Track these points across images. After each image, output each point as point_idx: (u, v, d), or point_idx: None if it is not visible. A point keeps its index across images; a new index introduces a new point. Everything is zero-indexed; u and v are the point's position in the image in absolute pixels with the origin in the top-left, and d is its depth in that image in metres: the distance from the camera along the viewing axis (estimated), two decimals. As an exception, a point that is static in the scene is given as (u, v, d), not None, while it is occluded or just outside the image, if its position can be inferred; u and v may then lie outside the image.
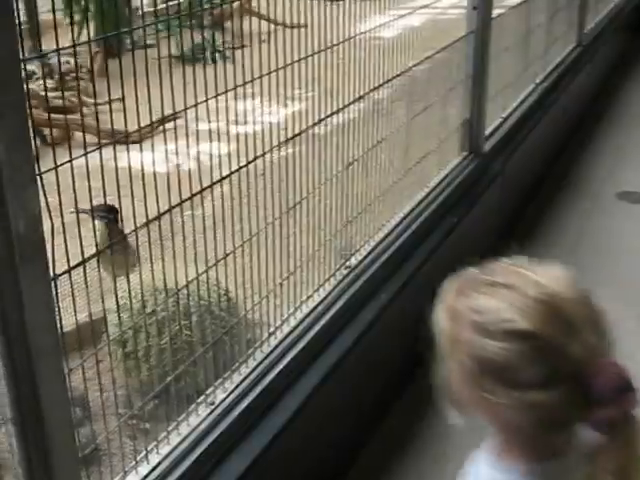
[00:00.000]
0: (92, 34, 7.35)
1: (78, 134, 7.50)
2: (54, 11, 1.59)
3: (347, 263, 3.04)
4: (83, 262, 1.71)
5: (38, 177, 1.48)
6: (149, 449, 2.03)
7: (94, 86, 7.22)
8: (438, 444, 3.13)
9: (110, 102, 1.71)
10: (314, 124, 2.67)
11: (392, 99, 3.37)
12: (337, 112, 2.84)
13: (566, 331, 1.09)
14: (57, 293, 1.62)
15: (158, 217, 2.04)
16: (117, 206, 2.92)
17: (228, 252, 2.30)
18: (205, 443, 2.14)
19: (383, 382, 3.27)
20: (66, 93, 8.68)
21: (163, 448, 2.08)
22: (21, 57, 1.37)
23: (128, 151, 1.94)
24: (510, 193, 4.74)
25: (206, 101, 2.04)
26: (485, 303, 1.14)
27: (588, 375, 1.08)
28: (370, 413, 3.16)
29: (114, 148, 1.76)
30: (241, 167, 2.30)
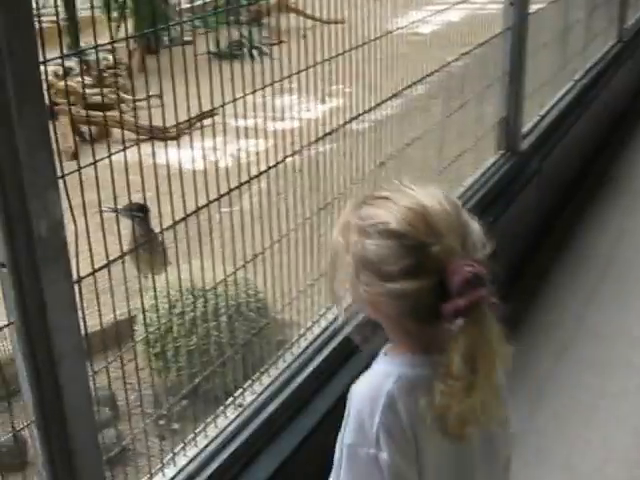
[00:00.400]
0: (130, 31, 7.38)
1: (116, 131, 7.55)
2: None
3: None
4: (108, 264, 1.70)
5: (61, 179, 1.48)
6: (176, 451, 2.02)
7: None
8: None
9: (137, 99, 1.71)
10: (348, 121, 2.64)
11: (429, 96, 3.33)
12: (371, 110, 2.80)
13: (430, 234, 1.27)
14: (81, 295, 1.62)
15: (186, 217, 2.02)
16: (148, 204, 2.92)
17: (259, 252, 2.28)
18: (233, 445, 2.12)
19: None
20: (104, 90, 8.73)
21: (190, 450, 2.07)
22: (40, 59, 1.36)
23: (153, 147, 1.91)
24: (548, 191, 4.66)
25: (234, 100, 2.02)
26: (368, 211, 1.35)
27: (447, 271, 1.25)
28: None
29: (138, 145, 1.75)
30: (271, 166, 2.27)
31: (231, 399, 2.23)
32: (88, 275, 1.63)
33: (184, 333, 2.35)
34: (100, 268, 1.67)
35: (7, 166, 1.35)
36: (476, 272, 1.25)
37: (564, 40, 5.05)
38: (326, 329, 2.58)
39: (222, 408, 2.23)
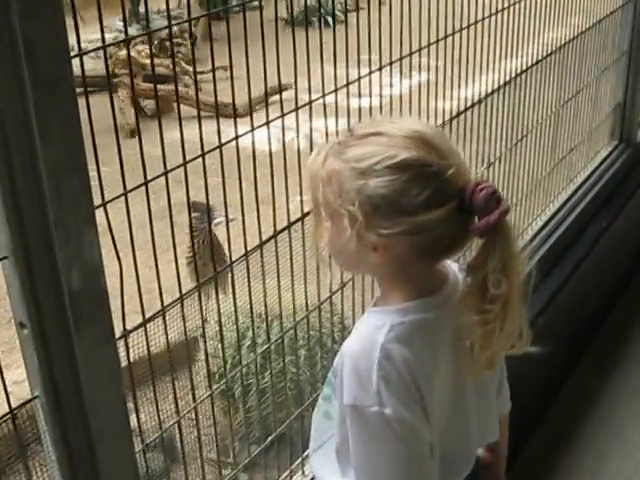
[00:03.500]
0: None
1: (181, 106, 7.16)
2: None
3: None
4: (162, 310, 1.37)
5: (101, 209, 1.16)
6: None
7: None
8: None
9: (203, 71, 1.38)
10: (456, 115, 2.23)
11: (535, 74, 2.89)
12: (474, 105, 2.41)
13: (440, 156, 1.22)
14: (128, 353, 1.30)
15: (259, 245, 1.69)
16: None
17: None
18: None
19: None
20: (167, 61, 8.37)
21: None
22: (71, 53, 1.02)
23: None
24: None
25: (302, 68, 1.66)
26: (361, 151, 1.24)
27: (466, 191, 1.22)
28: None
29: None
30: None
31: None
32: (138, 327, 1.30)
33: (255, 368, 2.01)
34: (153, 316, 1.34)
35: (26, 199, 1.02)
36: (494, 188, 1.24)
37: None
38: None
39: (300, 460, 1.91)
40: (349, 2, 6.59)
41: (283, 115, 1.61)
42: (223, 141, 1.47)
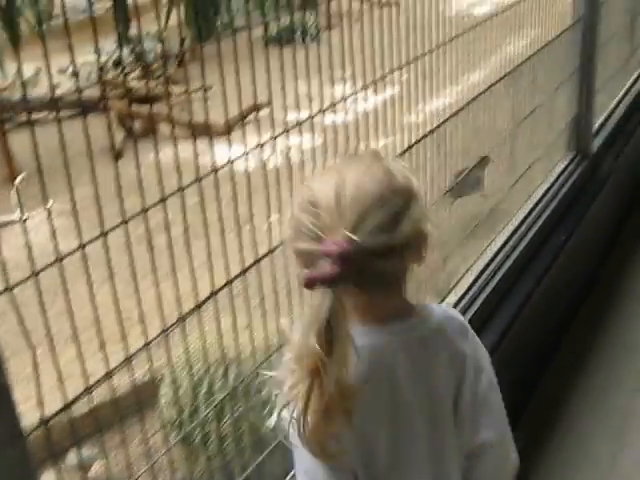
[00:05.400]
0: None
1: (163, 126, 6.99)
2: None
3: (443, 303, 2.47)
4: (90, 388, 1.19)
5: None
6: None
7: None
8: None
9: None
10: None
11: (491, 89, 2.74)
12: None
13: (311, 212, 1.22)
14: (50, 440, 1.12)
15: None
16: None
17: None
18: None
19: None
20: (153, 83, 8.35)
21: None
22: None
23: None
24: (622, 194, 4.07)
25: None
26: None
27: (322, 242, 1.19)
28: None
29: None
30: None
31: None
32: (60, 411, 1.12)
33: (213, 415, 1.83)
34: (78, 396, 1.16)
35: None
36: (335, 253, 1.16)
37: (633, 27, 4.41)
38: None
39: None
40: (321, 21, 6.41)
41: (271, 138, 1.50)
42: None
